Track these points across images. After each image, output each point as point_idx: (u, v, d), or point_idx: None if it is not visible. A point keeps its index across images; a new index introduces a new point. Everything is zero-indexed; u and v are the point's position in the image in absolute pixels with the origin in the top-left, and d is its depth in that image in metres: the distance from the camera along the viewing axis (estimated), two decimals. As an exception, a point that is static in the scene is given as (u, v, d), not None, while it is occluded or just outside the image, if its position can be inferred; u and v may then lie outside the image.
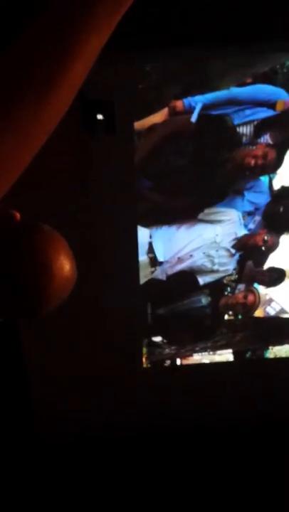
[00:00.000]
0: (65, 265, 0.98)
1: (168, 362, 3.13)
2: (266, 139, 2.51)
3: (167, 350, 3.08)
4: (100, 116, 2.16)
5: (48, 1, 0.55)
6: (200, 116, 2.38)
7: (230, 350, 3.13)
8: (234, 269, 2.85)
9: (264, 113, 2.43)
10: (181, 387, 3.20)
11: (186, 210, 2.65)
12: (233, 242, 2.76)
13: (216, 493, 3.26)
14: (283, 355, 3.17)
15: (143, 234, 2.67)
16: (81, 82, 0.57)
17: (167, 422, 3.28)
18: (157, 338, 3.04)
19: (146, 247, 2.70)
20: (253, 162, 2.54)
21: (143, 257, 2.73)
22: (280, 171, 2.58)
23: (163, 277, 2.80)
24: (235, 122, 2.44)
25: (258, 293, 2.94)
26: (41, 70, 0.54)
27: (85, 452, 3.28)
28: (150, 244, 2.70)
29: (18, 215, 0.99)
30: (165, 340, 3.05)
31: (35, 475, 3.23)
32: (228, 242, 2.76)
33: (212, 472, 3.30)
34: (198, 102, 2.36)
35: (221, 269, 2.83)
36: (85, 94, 2.04)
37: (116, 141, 2.33)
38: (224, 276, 2.86)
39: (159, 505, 3.22)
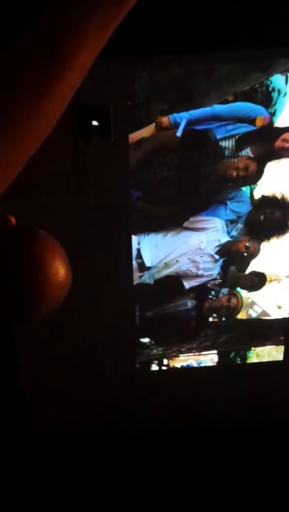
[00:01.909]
0: (60, 270, 0.97)
1: (156, 362, 3.24)
2: (247, 152, 2.63)
3: (155, 351, 3.19)
4: (95, 123, 2.20)
5: (38, 14, 0.54)
6: (185, 131, 2.50)
7: (215, 351, 3.25)
8: (218, 274, 2.96)
9: (245, 128, 2.56)
10: (174, 387, 3.29)
11: (172, 219, 2.77)
12: (216, 249, 2.88)
13: (211, 493, 3.33)
14: (265, 355, 3.29)
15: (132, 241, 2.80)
16: (73, 93, 0.57)
17: (161, 422, 3.37)
18: (145, 340, 3.15)
19: (135, 253, 2.82)
20: (234, 174, 2.66)
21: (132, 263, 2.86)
22: (260, 181, 2.70)
23: (150, 281, 2.91)
24: (218, 137, 2.56)
25: (241, 296, 3.05)
26: (32, 81, 0.53)
27: (80, 452, 3.34)
28: (138, 250, 2.82)
29: (13, 220, 1.00)
30: (153, 342, 3.16)
31: (29, 476, 3.28)
32: (212, 248, 2.87)
33: (209, 472, 3.37)
34: (183, 118, 2.48)
35: (206, 273, 2.95)
36: (80, 100, 2.08)
37: (111, 152, 2.43)
38: (208, 281, 2.97)
39: (149, 503, 3.29)
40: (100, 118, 2.14)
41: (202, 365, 3.28)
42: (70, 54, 0.54)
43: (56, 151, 1.89)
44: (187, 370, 3.28)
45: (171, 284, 2.93)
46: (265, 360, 3.32)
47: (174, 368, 3.27)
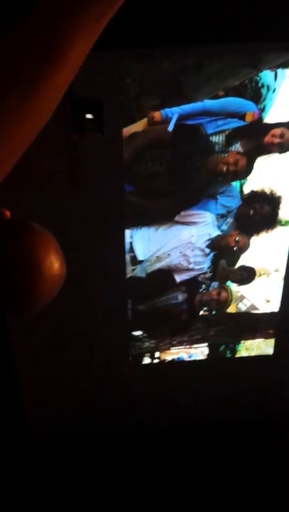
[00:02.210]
0: (54, 264, 0.97)
1: (148, 355, 3.27)
2: (237, 147, 2.66)
3: (147, 344, 3.22)
4: (88, 116, 2.20)
5: (32, 6, 0.54)
6: (176, 126, 2.53)
7: (206, 344, 3.29)
8: (208, 268, 3.00)
9: (235, 123, 2.59)
10: (165, 381, 3.32)
11: (164, 213, 2.80)
12: (207, 243, 2.92)
13: (206, 487, 3.35)
14: (254, 348, 3.35)
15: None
16: (66, 86, 0.57)
17: (156, 417, 3.39)
18: (137, 333, 3.18)
19: (127, 246, 2.84)
20: (225, 168, 2.70)
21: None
22: (250, 176, 2.74)
23: (142, 275, 2.94)
24: (209, 132, 2.59)
25: (231, 290, 3.09)
26: (24, 74, 0.53)
27: (77, 449, 3.35)
28: (131, 244, 2.84)
29: (7, 213, 1.00)
30: (145, 335, 3.19)
31: (28, 475, 3.29)
32: (202, 242, 2.91)
33: (200, 465, 3.40)
34: (174, 112, 2.51)
35: (196, 267, 2.98)
36: (74, 94, 2.09)
37: (104, 146, 2.45)
38: (199, 275, 3.01)
39: (148, 498, 3.30)
40: (93, 111, 2.15)
41: (192, 358, 3.32)
42: (64, 47, 0.53)
43: (50, 145, 1.91)
44: (178, 363, 3.31)
45: (163, 278, 2.96)
46: (254, 353, 3.36)
47: (166, 361, 3.30)
